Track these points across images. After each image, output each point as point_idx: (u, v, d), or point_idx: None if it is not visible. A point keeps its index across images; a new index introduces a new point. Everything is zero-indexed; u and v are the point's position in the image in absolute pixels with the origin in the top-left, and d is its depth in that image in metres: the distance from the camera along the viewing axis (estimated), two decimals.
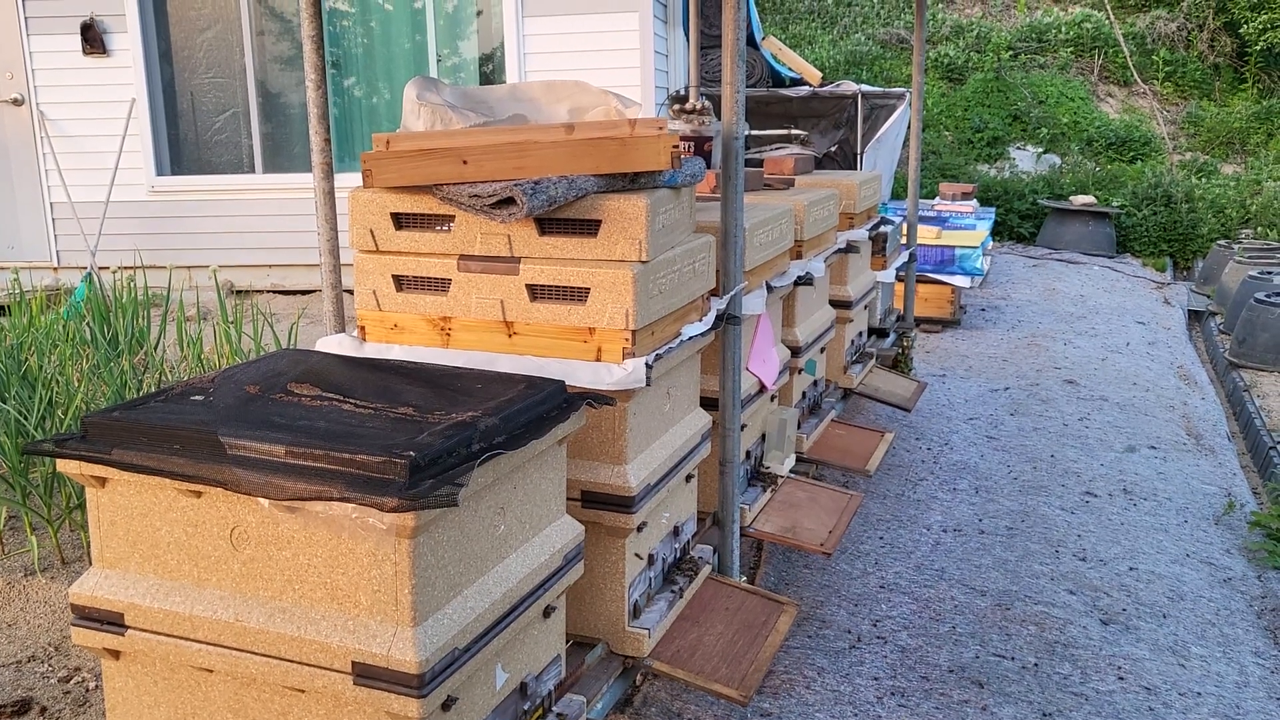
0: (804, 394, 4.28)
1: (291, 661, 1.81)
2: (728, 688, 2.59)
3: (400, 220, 2.58)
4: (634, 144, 2.45)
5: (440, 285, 2.57)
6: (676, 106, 4.41)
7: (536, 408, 2.04)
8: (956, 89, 15.19)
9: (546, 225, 2.49)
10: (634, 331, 2.45)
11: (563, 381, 2.19)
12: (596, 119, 2.83)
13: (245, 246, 9.04)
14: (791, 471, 3.96)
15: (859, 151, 9.65)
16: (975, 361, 7.16)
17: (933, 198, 10.30)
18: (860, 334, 5.32)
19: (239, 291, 8.99)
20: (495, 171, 2.44)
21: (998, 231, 12.14)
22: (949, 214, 9.31)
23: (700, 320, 2.87)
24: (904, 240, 6.51)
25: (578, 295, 2.47)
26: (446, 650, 1.79)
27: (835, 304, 4.82)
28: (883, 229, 5.56)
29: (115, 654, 1.99)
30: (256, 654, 1.84)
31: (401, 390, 2.09)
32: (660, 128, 2.47)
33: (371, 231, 2.60)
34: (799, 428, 4.19)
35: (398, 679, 1.74)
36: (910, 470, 5.15)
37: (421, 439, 1.80)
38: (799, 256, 3.94)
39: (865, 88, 9.61)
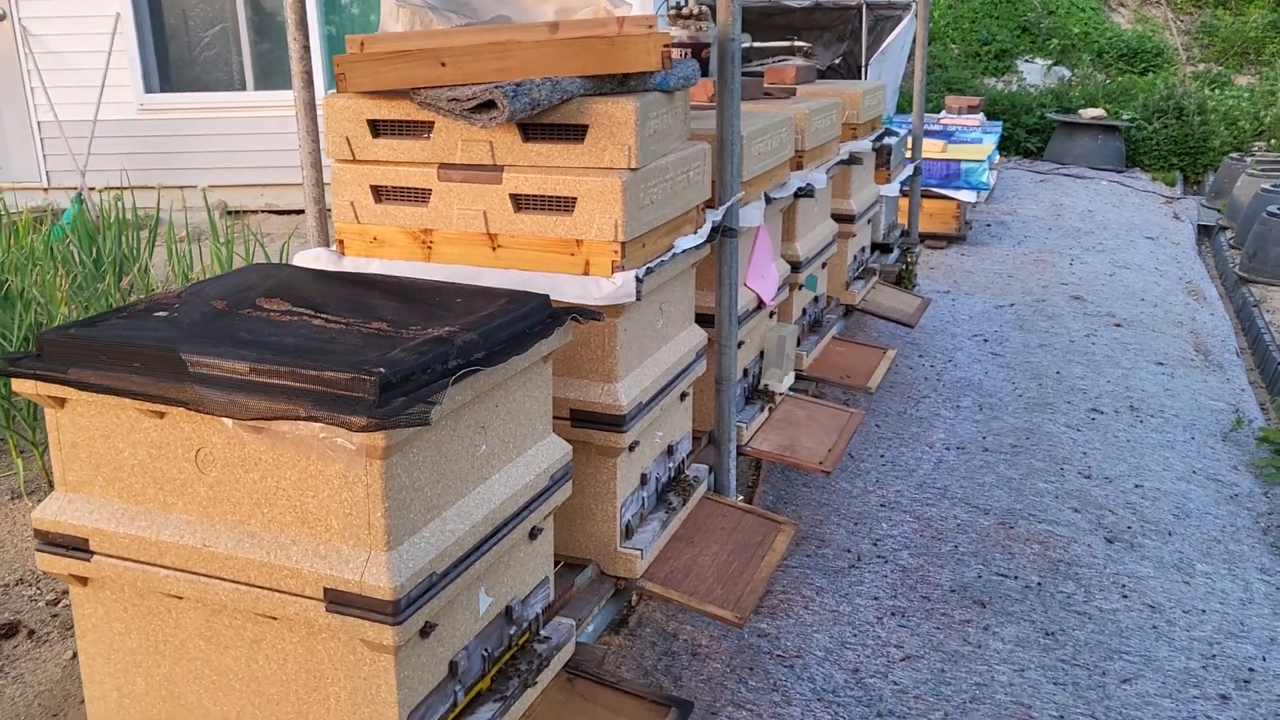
0: (804, 310, 4.17)
1: (262, 588, 1.73)
2: (722, 609, 2.52)
3: (377, 127, 2.45)
4: (622, 43, 2.31)
5: (420, 196, 2.45)
6: (673, 12, 4.23)
7: (518, 323, 1.94)
8: (964, 1, 14.80)
9: (530, 131, 2.36)
10: (623, 243, 2.33)
11: (547, 296, 2.08)
12: (631, 15, 2.67)
13: (238, 166, 8.86)
14: (791, 389, 3.87)
15: (863, 64, 9.39)
16: (981, 277, 7.03)
17: (939, 111, 10.06)
18: (863, 249, 5.19)
19: (233, 212, 8.84)
20: (475, 74, 2.30)
21: (1004, 146, 11.90)
22: (955, 128, 9.09)
23: (695, 232, 2.75)
24: (909, 154, 6.34)
25: (564, 205, 2.35)
26: (423, 575, 1.71)
27: (837, 218, 4.68)
28: (887, 141, 5.39)
29: (83, 580, 1.91)
30: (226, 580, 1.76)
31: (376, 305, 1.98)
32: (650, 25, 2.32)
33: (348, 140, 2.47)
34: (799, 345, 4.09)
35: (371, 606, 1.66)
36: (913, 387, 5.06)
37: (394, 355, 1.70)
38: (799, 167, 3.80)
39: None
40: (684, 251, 2.64)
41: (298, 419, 1.60)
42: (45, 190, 9.17)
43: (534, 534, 2.13)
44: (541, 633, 2.20)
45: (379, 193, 2.49)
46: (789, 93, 4.53)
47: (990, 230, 8.34)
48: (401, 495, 1.69)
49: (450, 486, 1.82)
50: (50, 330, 1.83)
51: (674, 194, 2.57)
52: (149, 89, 8.88)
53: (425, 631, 1.79)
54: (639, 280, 2.34)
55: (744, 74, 4.78)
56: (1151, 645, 3.12)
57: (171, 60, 9.01)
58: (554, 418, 2.42)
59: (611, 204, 2.30)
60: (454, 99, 2.27)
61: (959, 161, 7.52)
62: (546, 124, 2.34)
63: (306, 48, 3.00)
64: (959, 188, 7.54)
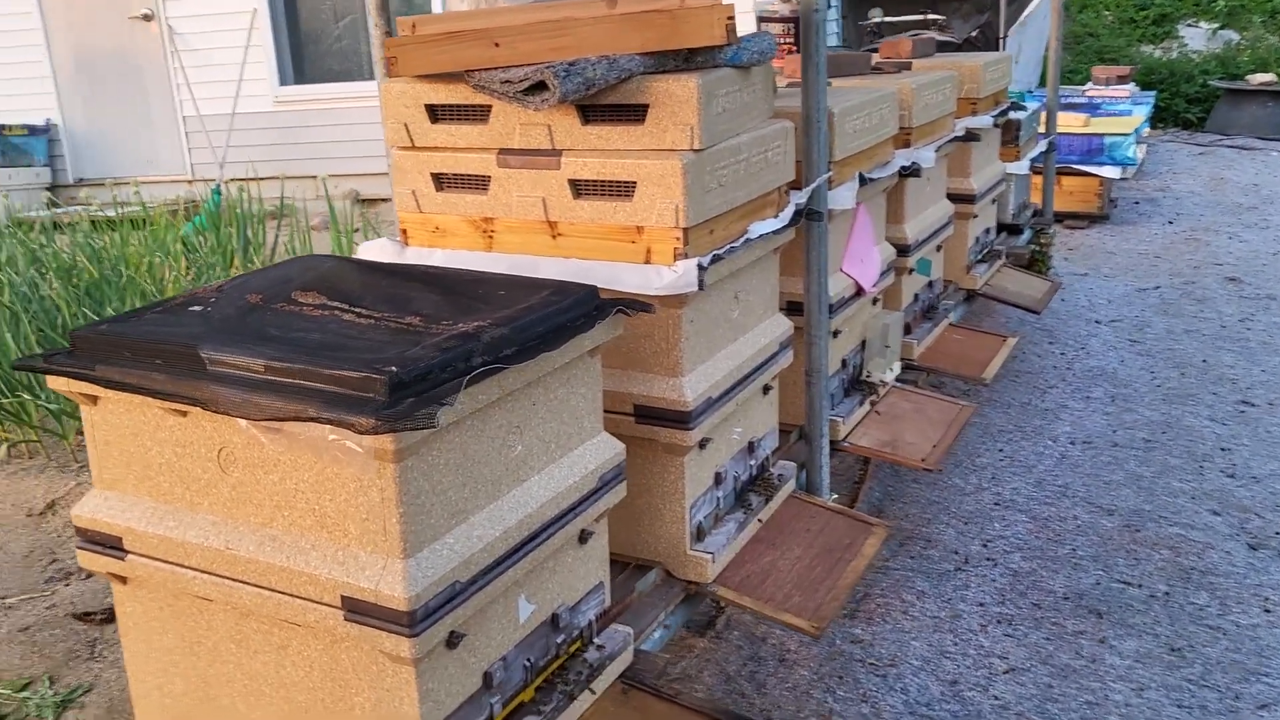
0: (916, 296, 3.94)
1: (283, 594, 1.67)
2: (798, 618, 2.37)
3: (436, 112, 2.37)
4: (683, 16, 2.17)
5: (480, 183, 2.36)
6: None
7: (557, 316, 1.83)
8: None
9: (590, 113, 2.24)
10: (685, 229, 2.19)
11: (594, 287, 1.96)
12: None
13: (369, 155, 9.00)
14: (898, 380, 3.66)
15: (1001, 35, 8.94)
16: (1123, 259, 6.60)
17: (1085, 83, 9.52)
18: (987, 231, 4.90)
19: (364, 200, 9.01)
20: (531, 53, 2.20)
21: (1160, 118, 11.22)
22: (1101, 100, 8.59)
23: (775, 216, 2.58)
24: (1042, 129, 5.98)
25: (623, 190, 2.22)
26: (445, 584, 1.62)
27: (955, 198, 4.42)
28: (1013, 115, 5.08)
29: (122, 579, 1.89)
30: (249, 584, 1.70)
31: (413, 298, 1.90)
32: None
33: (406, 126, 2.40)
34: (909, 333, 3.87)
35: (387, 616, 1.58)
36: (1039, 377, 4.75)
37: (411, 352, 1.60)
38: (906, 145, 3.58)
39: None
40: (760, 237, 2.48)
41: (307, 420, 1.53)
42: (190, 182, 9.52)
43: (584, 537, 2.02)
44: (595, 640, 2.09)
45: (440, 180, 2.41)
46: (903, 67, 4.29)
47: (1138, 208, 7.84)
48: (420, 500, 1.60)
49: (479, 489, 1.72)
50: (83, 327, 1.81)
51: (748, 176, 2.42)
52: (283, 81, 9.11)
53: (452, 642, 1.70)
54: (702, 268, 2.19)
55: (849, 50, 4.56)
56: None
57: (305, 53, 9.22)
58: (617, 414, 2.32)
59: (672, 188, 2.16)
60: (506, 80, 2.16)
61: (1102, 136, 7.07)
62: (606, 105, 2.22)
63: (388, 33, 2.94)
64: (1101, 163, 7.08)
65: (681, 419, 2.29)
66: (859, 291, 3.22)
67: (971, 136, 4.15)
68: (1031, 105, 5.56)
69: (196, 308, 1.89)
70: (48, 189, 9.66)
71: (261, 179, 8.15)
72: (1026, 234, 5.88)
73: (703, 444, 2.42)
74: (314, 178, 9.01)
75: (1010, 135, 5.28)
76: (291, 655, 1.76)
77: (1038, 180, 6.15)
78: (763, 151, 2.47)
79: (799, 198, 2.67)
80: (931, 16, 9.22)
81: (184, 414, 1.71)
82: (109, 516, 1.83)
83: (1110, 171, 7.08)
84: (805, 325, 2.87)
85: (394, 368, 1.53)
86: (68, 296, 4.25)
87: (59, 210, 7.86)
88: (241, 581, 1.71)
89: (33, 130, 9.52)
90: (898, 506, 3.67)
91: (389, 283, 1.98)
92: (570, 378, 1.92)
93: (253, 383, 1.61)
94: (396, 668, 1.65)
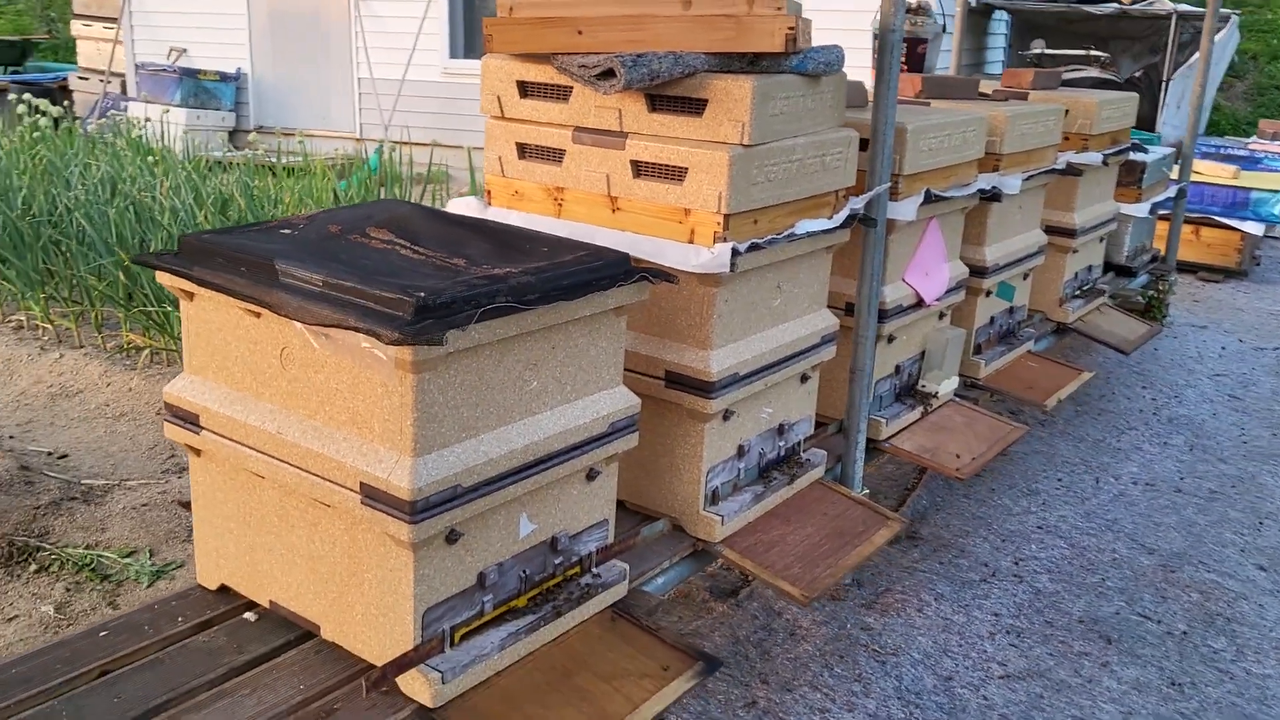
0: (992, 319, 4.05)
1: (317, 476, 1.97)
2: (792, 586, 2.56)
3: (525, 88, 2.65)
4: (748, 23, 2.39)
5: (556, 155, 2.63)
6: None
7: (584, 274, 2.08)
8: None
9: (657, 102, 2.48)
10: (727, 215, 2.41)
11: (626, 254, 2.20)
12: None
13: None
14: (958, 395, 3.79)
15: (1166, 79, 8.76)
16: (1251, 317, 6.46)
17: (1253, 136, 9.24)
18: (1090, 268, 4.93)
19: None
20: (610, 43, 2.45)
21: None
22: (1264, 154, 8.34)
23: (829, 217, 2.78)
24: (1175, 175, 5.92)
25: (676, 174, 2.46)
26: (447, 485, 1.89)
27: (1054, 230, 4.49)
28: (1135, 156, 5.09)
29: (197, 451, 2.23)
30: (291, 465, 2.01)
31: (468, 244, 2.18)
32: (779, 8, 2.38)
33: (499, 98, 2.69)
34: (979, 353, 3.98)
35: (393, 503, 1.86)
36: (1122, 417, 4.77)
37: (441, 284, 1.88)
38: (995, 169, 3.70)
39: (1184, 7, 8.67)
40: (809, 234, 2.68)
41: (346, 327, 1.82)
42: (358, 140, 10.13)
43: (591, 475, 2.27)
44: (594, 570, 2.34)
45: (523, 150, 2.69)
46: (1018, 97, 4.39)
47: None
48: (433, 409, 1.87)
49: (490, 412, 1.99)
50: (191, 234, 2.15)
51: (801, 176, 2.62)
52: (453, 54, 9.61)
53: (451, 538, 1.97)
54: (736, 253, 2.41)
55: (953, 76, 4.70)
56: None
57: (476, 28, 9.70)
58: (650, 377, 2.56)
59: (718, 177, 2.39)
60: (583, 65, 2.43)
61: (1249, 190, 6.92)
62: (671, 96, 2.46)
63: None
64: (1244, 217, 6.93)
65: (705, 388, 2.51)
66: (920, 302, 3.37)
67: (1072, 170, 4.22)
68: (1159, 151, 5.53)
69: (287, 230, 2.21)
70: (231, 132, 10.42)
71: (419, 144, 8.64)
72: (1142, 278, 5.84)
73: (726, 415, 2.63)
74: (473, 149, 9.50)
75: (1133, 177, 5.28)
76: (321, 532, 2.07)
77: (1163, 227, 6.08)
78: (820, 155, 2.67)
79: (856, 203, 2.85)
80: (1094, 53, 9.10)
81: (257, 315, 2.03)
82: (191, 396, 2.17)
83: (1252, 227, 6.92)
84: (854, 325, 3.05)
85: (422, 294, 1.81)
86: (215, 225, 4.73)
87: (231, 154, 8.51)
88: (286, 463, 2.02)
89: (224, 77, 10.29)
90: (941, 516, 3.80)
91: (452, 230, 2.26)
92: (592, 330, 2.17)
93: (312, 294, 1.91)
94: (399, 550, 1.93)
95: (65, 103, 9.91)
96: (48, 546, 3.33)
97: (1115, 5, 8.83)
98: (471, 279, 1.94)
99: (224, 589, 2.30)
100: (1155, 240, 6.09)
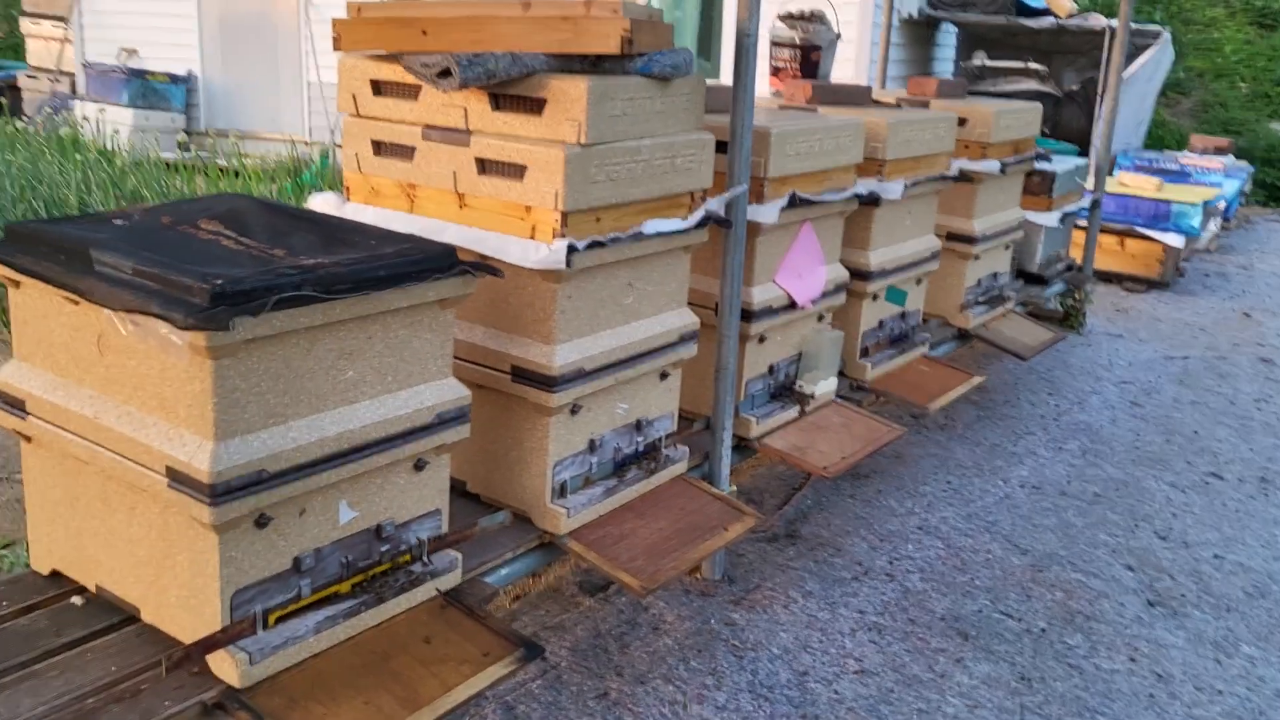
0: (881, 323, 4.12)
1: (131, 460, 2.01)
2: (632, 577, 2.62)
3: (378, 87, 2.70)
4: (584, 25, 2.45)
5: (408, 152, 2.68)
6: (783, 13, 4.27)
7: (401, 265, 2.13)
8: (1267, 36, 13.63)
9: (501, 101, 2.54)
10: (564, 213, 2.47)
11: (451, 248, 2.25)
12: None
13: None
14: (840, 397, 3.85)
15: (1100, 92, 8.88)
16: (1167, 327, 6.57)
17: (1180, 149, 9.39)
18: (995, 275, 5.01)
19: None
20: (453, 43, 2.51)
21: (1275, 197, 10.95)
22: (1194, 168, 8.50)
23: (684, 218, 2.84)
24: (1089, 185, 6.03)
25: (517, 172, 2.51)
26: (250, 470, 1.93)
27: (954, 237, 4.58)
28: (1042, 166, 5.19)
29: (27, 437, 2.26)
30: (109, 450, 2.05)
31: (294, 236, 2.22)
32: (615, 10, 2.44)
33: (354, 96, 2.73)
34: (865, 356, 4.05)
35: (195, 486, 1.90)
36: (1021, 423, 4.85)
37: (246, 272, 1.92)
38: (878, 175, 3.77)
39: (1115, 22, 8.79)
40: (659, 234, 2.73)
41: (146, 313, 1.86)
42: (307, 143, 10.14)
43: (419, 465, 2.31)
44: (425, 559, 2.38)
45: (378, 147, 2.74)
46: (921, 104, 4.47)
47: (1207, 280, 7.74)
48: (235, 395, 1.92)
49: (301, 400, 2.03)
50: (18, 222, 2.18)
51: (648, 176, 2.68)
52: None
53: (262, 522, 2.02)
54: (573, 250, 2.46)
55: (846, 84, 4.79)
56: (1138, 714, 2.93)
57: None
58: (497, 371, 2.61)
59: (554, 174, 2.44)
60: (425, 64, 2.48)
61: (1170, 202, 7.04)
62: (513, 95, 2.51)
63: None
64: (1165, 229, 7.05)
65: (548, 382, 2.56)
66: (793, 304, 3.43)
67: (965, 178, 4.30)
68: (1071, 161, 5.64)
69: (120, 221, 2.25)
70: (182, 133, 10.41)
71: None
72: (1058, 287, 5.94)
73: (574, 410, 2.69)
74: None
75: (1043, 186, 5.38)
76: (138, 516, 2.10)
77: (1080, 236, 6.19)
78: (670, 157, 2.73)
79: (713, 204, 2.91)
80: (1033, 66, 9.24)
81: (76, 302, 2.07)
82: (18, 382, 2.20)
83: (1173, 239, 7.04)
84: (717, 324, 3.11)
85: (220, 281, 1.86)
86: None
87: (171, 155, 8.52)
88: (105, 448, 2.06)
89: (174, 79, 10.29)
90: (823, 515, 3.86)
91: (285, 223, 2.31)
92: (415, 322, 2.22)
93: (122, 281, 1.95)
94: (205, 533, 1.97)
95: (2, 100, 9.87)
96: None
97: (1053, 20, 8.96)
98: (280, 268, 1.98)
99: (55, 574, 2.34)
100: (1073, 249, 6.20)
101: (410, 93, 2.64)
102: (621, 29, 2.43)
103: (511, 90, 2.50)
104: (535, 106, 2.49)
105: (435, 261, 2.20)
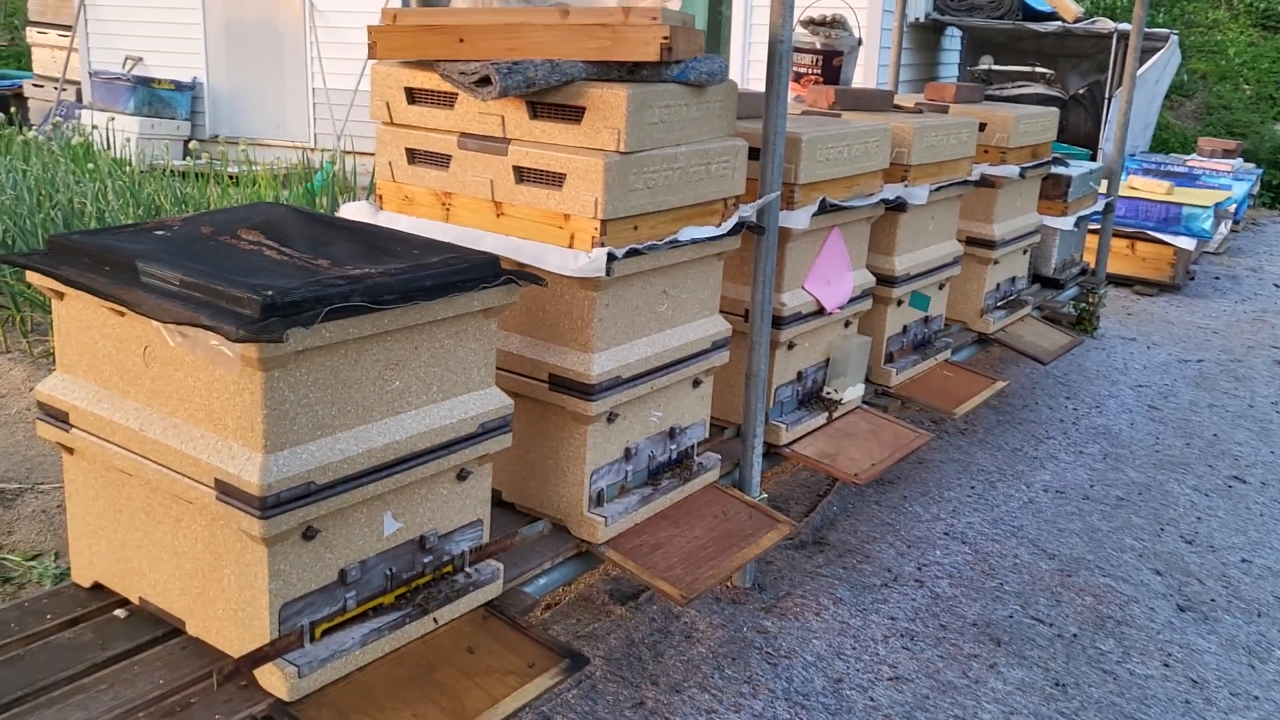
0: (905, 328, 4.11)
1: (178, 473, 2.00)
2: (671, 586, 2.61)
3: (413, 95, 2.69)
4: (622, 32, 2.44)
5: (443, 161, 2.68)
6: (805, 18, 4.27)
7: (446, 275, 2.12)
8: (1270, 38, 13.65)
9: (538, 109, 2.53)
10: (604, 221, 2.46)
11: (495, 257, 2.24)
12: (641, 6, 2.81)
13: None
14: (867, 403, 3.84)
15: (1108, 96, 8.90)
16: (1180, 330, 6.57)
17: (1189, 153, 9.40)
18: (1013, 279, 5.01)
19: None
20: (490, 51, 2.50)
21: None
22: (1202, 171, 8.50)
23: (717, 225, 2.83)
24: (1104, 189, 6.03)
25: (556, 180, 2.50)
26: (300, 482, 1.92)
27: (974, 242, 4.57)
28: (1058, 170, 5.18)
29: (70, 450, 2.25)
30: (155, 462, 2.04)
31: (336, 246, 2.21)
32: (654, 18, 2.44)
33: (388, 104, 2.73)
34: (890, 362, 4.04)
35: (245, 499, 1.89)
36: (1041, 427, 4.85)
37: (295, 283, 1.91)
38: (903, 180, 3.77)
39: (1125, 26, 8.82)
40: (694, 241, 2.73)
41: (197, 325, 1.85)
42: (312, 150, 10.14)
43: (463, 475, 2.30)
44: (468, 569, 2.37)
45: (412, 155, 2.73)
46: (940, 109, 4.47)
47: (1217, 283, 7.75)
48: (284, 407, 1.91)
49: (349, 411, 2.02)
50: (60, 234, 2.17)
51: (684, 183, 2.67)
52: None
53: (308, 535, 2.00)
54: (612, 258, 2.46)
55: (868, 89, 4.78)
56: None
57: None
58: (534, 379, 2.61)
59: (594, 183, 2.44)
60: (463, 73, 2.47)
61: (1180, 205, 7.04)
62: (551, 103, 2.51)
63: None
64: (1176, 232, 7.05)
65: (586, 390, 2.55)
66: (821, 310, 3.42)
67: (987, 183, 4.30)
68: (1086, 165, 5.64)
69: (161, 231, 2.24)
70: (187, 140, 10.41)
71: (371, 154, 8.66)
72: (1072, 291, 5.94)
73: (611, 418, 2.68)
74: None
75: (1059, 190, 5.37)
76: (184, 528, 2.09)
77: (1094, 240, 6.19)
78: (704, 164, 2.72)
79: (746, 211, 2.91)
80: (1039, 70, 9.24)
81: (121, 314, 2.06)
82: (62, 394, 2.19)
83: (1184, 242, 7.04)
84: (748, 331, 3.10)
85: (270, 292, 1.84)
86: None
87: (178, 163, 8.51)
88: (150, 460, 2.05)
89: (179, 86, 10.28)
90: (850, 522, 3.85)
91: (325, 233, 2.30)
92: (460, 332, 2.21)
93: (169, 293, 1.94)
94: (253, 546, 1.96)
95: (12, 109, 9.86)
96: None
97: (1059, 24, 8.97)
98: (327, 279, 1.97)
99: (97, 586, 2.32)
100: (1086, 253, 6.20)
101: (445, 100, 2.63)
102: (661, 36, 2.42)
103: (549, 98, 2.49)
104: (574, 114, 2.49)
105: (480, 271, 2.19)
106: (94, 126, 8.57)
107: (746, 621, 3.21)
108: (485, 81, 2.41)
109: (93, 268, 2.07)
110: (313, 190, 7.56)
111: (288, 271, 2.02)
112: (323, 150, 9.88)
